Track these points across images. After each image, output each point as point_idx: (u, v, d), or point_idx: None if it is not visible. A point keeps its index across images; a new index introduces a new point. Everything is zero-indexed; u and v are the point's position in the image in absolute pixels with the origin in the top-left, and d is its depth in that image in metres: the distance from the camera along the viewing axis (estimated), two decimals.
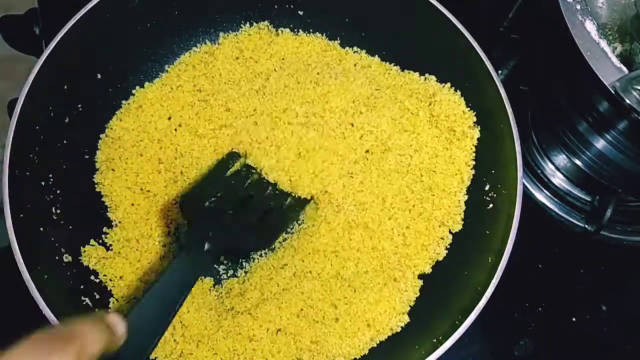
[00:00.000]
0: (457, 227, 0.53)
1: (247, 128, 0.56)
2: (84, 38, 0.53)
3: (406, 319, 0.51)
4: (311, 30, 0.62)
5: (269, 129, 0.55)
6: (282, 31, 0.61)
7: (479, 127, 0.55)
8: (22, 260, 0.44)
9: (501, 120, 0.52)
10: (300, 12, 0.61)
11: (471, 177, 0.55)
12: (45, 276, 0.46)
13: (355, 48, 0.61)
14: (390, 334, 0.50)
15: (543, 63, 0.63)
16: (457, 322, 0.45)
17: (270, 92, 0.57)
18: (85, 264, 0.51)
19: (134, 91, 0.58)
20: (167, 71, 0.60)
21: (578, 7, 0.48)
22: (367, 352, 0.50)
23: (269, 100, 0.57)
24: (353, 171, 0.54)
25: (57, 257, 0.50)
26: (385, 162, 0.55)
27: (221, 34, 0.61)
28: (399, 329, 0.50)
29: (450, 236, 0.54)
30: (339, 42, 0.61)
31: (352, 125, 0.55)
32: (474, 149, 0.55)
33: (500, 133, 0.52)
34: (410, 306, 0.51)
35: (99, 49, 0.55)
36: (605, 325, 0.59)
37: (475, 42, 0.53)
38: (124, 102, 0.58)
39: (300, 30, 0.62)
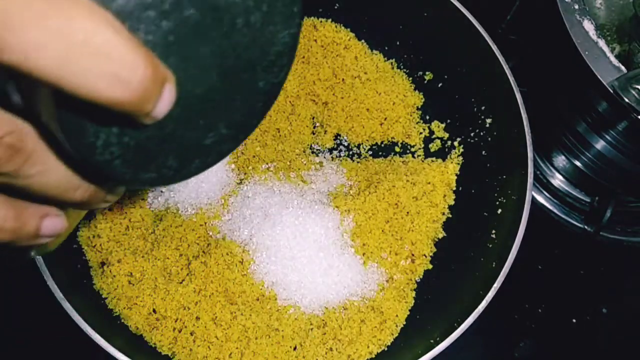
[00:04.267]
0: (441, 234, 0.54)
1: None
2: None
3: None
4: None
5: None
6: None
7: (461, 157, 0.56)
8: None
9: (515, 126, 0.51)
10: None
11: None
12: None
13: None
14: (392, 338, 0.50)
15: (541, 64, 0.63)
16: (455, 324, 0.45)
17: None
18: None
19: None
20: None
21: (576, 6, 0.48)
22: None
23: None
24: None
25: None
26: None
27: None
28: (398, 331, 0.50)
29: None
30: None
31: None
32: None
33: (513, 138, 0.52)
34: (409, 309, 0.51)
35: None
36: (605, 326, 0.59)
37: (496, 47, 0.53)
38: None
39: None
